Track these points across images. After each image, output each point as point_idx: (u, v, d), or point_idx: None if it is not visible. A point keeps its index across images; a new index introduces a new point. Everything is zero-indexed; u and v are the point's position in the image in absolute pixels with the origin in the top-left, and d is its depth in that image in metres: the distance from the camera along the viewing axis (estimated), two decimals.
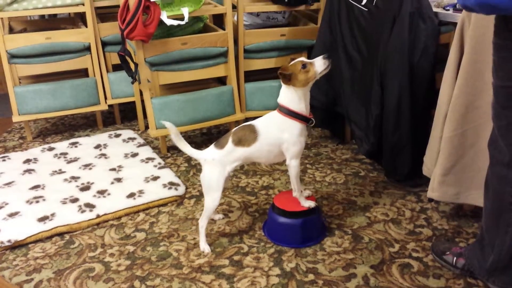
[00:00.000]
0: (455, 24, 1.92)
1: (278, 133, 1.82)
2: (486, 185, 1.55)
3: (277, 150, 1.85)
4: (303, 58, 1.81)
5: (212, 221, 2.11)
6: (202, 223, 1.91)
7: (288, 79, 1.77)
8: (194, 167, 2.61)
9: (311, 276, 1.75)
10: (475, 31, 1.72)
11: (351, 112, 2.55)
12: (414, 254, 1.85)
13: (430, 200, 2.10)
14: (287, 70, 1.77)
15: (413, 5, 2.08)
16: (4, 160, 2.73)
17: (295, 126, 1.81)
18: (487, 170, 1.54)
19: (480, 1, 1.18)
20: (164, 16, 2.48)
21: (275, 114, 1.85)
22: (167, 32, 2.64)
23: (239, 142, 1.83)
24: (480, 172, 1.80)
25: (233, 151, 1.84)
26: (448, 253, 1.76)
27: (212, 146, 1.89)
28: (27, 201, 2.28)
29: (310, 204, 1.90)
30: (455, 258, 1.73)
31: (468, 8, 1.24)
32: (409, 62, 2.14)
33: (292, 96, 1.80)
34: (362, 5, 2.33)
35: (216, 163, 1.84)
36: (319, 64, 1.76)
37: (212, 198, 1.86)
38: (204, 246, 1.91)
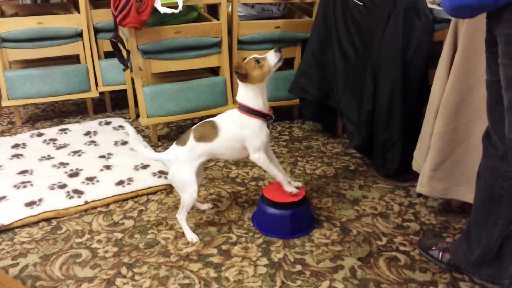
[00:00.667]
0: (449, 21, 1.92)
1: (239, 130, 1.84)
2: (478, 177, 1.56)
3: (239, 145, 1.87)
4: (255, 55, 1.83)
5: (201, 211, 2.11)
6: (181, 216, 1.91)
7: (245, 77, 1.79)
8: None
9: (298, 267, 1.75)
10: (469, 29, 1.73)
11: (343, 106, 2.55)
12: (401, 248, 1.86)
13: (419, 195, 2.11)
14: (241, 68, 1.78)
15: (409, 0, 2.09)
16: None
17: (255, 123, 1.83)
18: (479, 162, 1.55)
19: (453, 5, 1.25)
20: (158, 4, 2.46)
21: (235, 112, 1.87)
22: (160, 20, 2.61)
23: (200, 138, 1.85)
24: (470, 168, 1.82)
25: (196, 147, 1.85)
26: (434, 248, 1.77)
27: (173, 145, 1.89)
28: (15, 186, 2.25)
29: (293, 190, 1.91)
30: (441, 253, 1.74)
31: (449, 15, 1.30)
32: (403, 58, 2.15)
33: (249, 94, 1.82)
34: (358, 0, 2.33)
35: (181, 161, 1.85)
36: (272, 58, 1.80)
37: (188, 193, 1.86)
38: (191, 236, 1.91)
